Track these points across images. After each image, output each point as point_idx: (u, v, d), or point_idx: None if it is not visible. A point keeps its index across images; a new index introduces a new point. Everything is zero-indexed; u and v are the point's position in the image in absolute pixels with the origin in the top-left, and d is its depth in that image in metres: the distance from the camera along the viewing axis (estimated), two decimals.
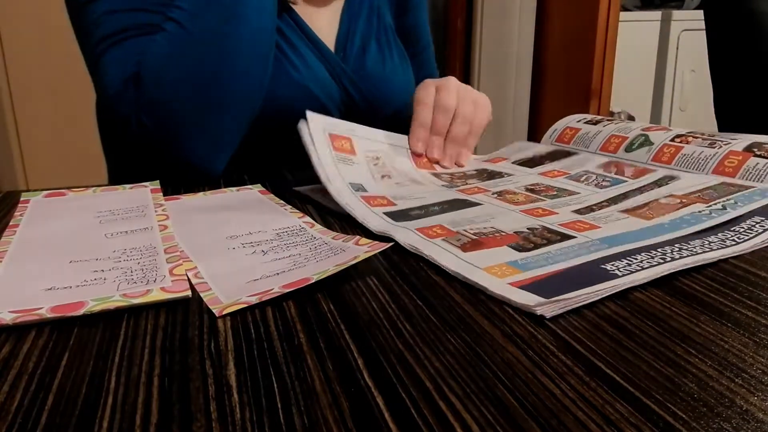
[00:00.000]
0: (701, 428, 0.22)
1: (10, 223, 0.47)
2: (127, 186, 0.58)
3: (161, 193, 0.55)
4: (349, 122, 0.60)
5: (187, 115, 0.59)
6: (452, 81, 0.66)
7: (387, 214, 0.48)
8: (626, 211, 0.47)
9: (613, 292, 0.33)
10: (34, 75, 1.78)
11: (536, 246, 0.40)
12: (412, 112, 0.64)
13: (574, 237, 0.41)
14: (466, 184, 0.58)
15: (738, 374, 0.26)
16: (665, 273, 0.35)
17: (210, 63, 0.59)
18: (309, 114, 0.56)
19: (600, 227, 0.43)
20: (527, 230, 0.43)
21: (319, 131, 0.56)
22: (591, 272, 0.35)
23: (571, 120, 0.71)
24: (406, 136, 0.64)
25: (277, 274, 0.37)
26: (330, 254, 0.39)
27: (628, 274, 0.35)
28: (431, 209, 0.49)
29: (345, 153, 0.56)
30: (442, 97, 0.64)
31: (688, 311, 0.32)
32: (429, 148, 0.63)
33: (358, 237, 0.41)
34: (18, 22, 1.74)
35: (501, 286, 0.34)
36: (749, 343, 0.28)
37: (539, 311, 0.31)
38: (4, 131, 1.80)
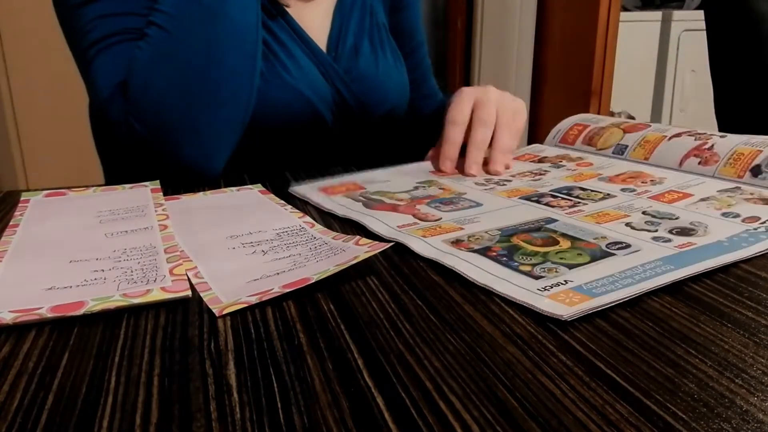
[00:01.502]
0: (701, 428, 0.22)
1: (10, 223, 0.47)
2: (127, 186, 0.58)
3: (161, 193, 0.55)
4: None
5: (178, 118, 0.59)
6: (492, 93, 0.64)
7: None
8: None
9: (634, 296, 0.33)
10: (34, 75, 1.78)
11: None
12: (443, 128, 0.63)
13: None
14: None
15: (738, 374, 0.26)
16: (685, 276, 0.35)
17: (196, 64, 0.58)
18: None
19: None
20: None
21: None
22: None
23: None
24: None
25: (277, 274, 0.37)
26: (330, 254, 0.39)
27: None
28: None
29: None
30: (480, 114, 0.62)
31: (689, 312, 0.32)
32: (467, 163, 0.60)
33: (358, 237, 0.41)
34: (18, 22, 1.74)
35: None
36: (749, 343, 0.28)
37: (566, 317, 0.30)
38: (4, 131, 1.80)
